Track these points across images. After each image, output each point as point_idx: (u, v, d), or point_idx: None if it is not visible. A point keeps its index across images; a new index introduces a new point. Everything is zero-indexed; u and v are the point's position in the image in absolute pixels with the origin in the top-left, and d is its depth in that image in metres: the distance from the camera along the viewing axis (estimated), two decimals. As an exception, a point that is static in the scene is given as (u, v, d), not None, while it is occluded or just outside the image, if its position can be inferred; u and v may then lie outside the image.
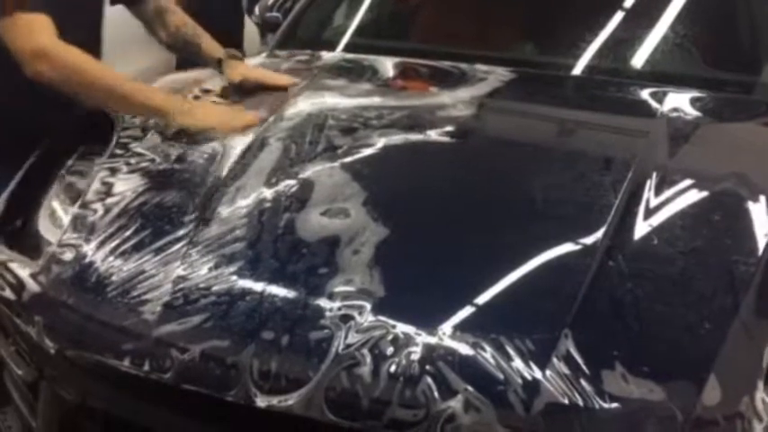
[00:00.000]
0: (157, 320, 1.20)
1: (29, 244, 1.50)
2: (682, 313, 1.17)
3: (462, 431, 1.02)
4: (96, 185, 1.56)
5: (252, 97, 1.89)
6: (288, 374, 1.10)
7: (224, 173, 1.53)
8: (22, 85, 1.59)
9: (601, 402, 1.03)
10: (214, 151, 1.61)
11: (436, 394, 1.04)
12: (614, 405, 1.03)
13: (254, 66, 2.08)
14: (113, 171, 1.60)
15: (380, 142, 1.61)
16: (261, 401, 1.09)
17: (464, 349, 1.09)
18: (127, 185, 1.54)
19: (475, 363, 1.08)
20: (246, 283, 1.24)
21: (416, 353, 1.09)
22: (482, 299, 1.18)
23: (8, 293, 1.38)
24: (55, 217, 1.55)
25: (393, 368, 1.07)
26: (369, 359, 1.09)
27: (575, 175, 1.51)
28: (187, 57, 2.10)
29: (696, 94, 1.92)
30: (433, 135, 1.64)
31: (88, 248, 1.39)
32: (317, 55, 2.28)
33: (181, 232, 1.37)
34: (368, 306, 1.16)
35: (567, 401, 1.03)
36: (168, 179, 1.54)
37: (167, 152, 1.63)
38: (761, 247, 1.30)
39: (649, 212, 1.37)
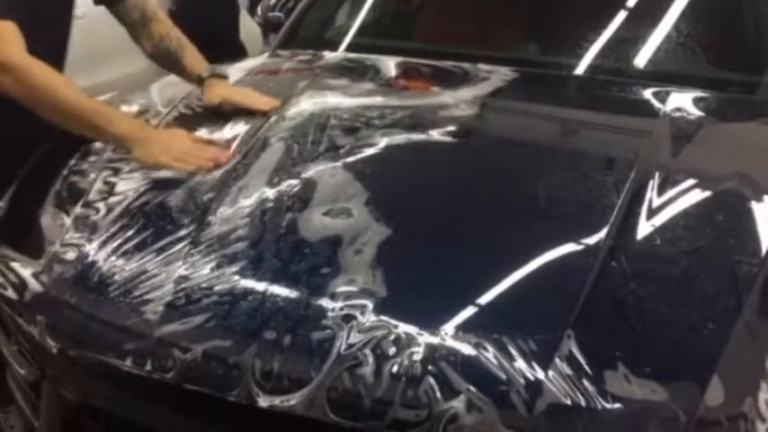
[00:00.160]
0: (159, 320, 1.20)
1: (31, 243, 1.50)
2: (684, 313, 1.17)
3: (465, 431, 1.02)
4: (99, 185, 1.57)
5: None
6: (290, 374, 1.09)
7: (226, 173, 1.53)
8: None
9: (603, 403, 1.03)
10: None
11: (438, 394, 1.04)
12: (617, 406, 1.03)
13: (236, 85, 1.94)
14: (116, 170, 1.60)
15: (383, 142, 1.60)
16: (263, 401, 1.09)
17: (466, 349, 1.09)
18: (129, 185, 1.54)
19: (477, 363, 1.07)
20: (248, 283, 1.24)
21: (419, 353, 1.09)
22: (484, 299, 1.18)
23: (10, 293, 1.38)
24: (57, 216, 1.55)
25: (395, 368, 1.07)
26: (371, 359, 1.08)
27: (577, 174, 1.51)
28: (169, 70, 1.96)
29: (699, 93, 1.91)
30: (436, 135, 1.64)
31: (90, 248, 1.39)
32: (319, 55, 2.28)
33: (183, 232, 1.37)
34: (370, 306, 1.16)
35: (569, 402, 1.03)
36: (170, 179, 1.54)
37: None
38: (764, 247, 1.29)
39: (652, 212, 1.36)
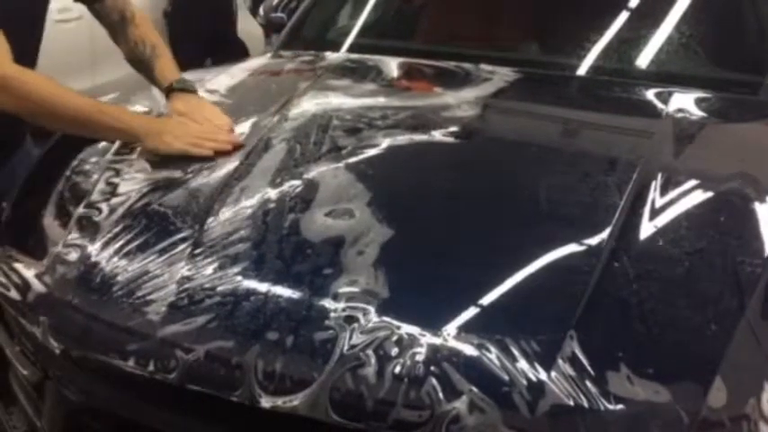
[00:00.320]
0: (162, 321, 1.20)
1: (34, 244, 1.50)
2: (687, 314, 1.17)
3: None
4: (101, 186, 1.57)
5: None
6: (292, 375, 1.09)
7: (228, 173, 1.53)
8: None
9: (606, 404, 1.03)
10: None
11: (441, 395, 1.04)
12: (619, 407, 1.03)
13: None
14: (118, 171, 1.60)
15: (385, 143, 1.60)
16: (265, 402, 1.09)
17: (469, 350, 1.09)
18: (132, 186, 1.54)
19: (480, 364, 1.07)
20: (251, 284, 1.24)
21: (421, 354, 1.08)
22: (487, 300, 1.18)
23: (13, 294, 1.38)
24: (60, 217, 1.55)
25: (398, 369, 1.07)
26: (373, 360, 1.08)
27: (580, 175, 1.51)
28: (143, 76, 1.88)
29: (701, 94, 1.91)
30: (438, 135, 1.64)
31: (93, 249, 1.39)
32: (321, 55, 2.28)
33: (185, 233, 1.37)
34: (372, 307, 1.16)
35: (572, 403, 1.03)
36: (173, 179, 1.54)
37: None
38: (767, 248, 1.29)
39: (655, 213, 1.36)
